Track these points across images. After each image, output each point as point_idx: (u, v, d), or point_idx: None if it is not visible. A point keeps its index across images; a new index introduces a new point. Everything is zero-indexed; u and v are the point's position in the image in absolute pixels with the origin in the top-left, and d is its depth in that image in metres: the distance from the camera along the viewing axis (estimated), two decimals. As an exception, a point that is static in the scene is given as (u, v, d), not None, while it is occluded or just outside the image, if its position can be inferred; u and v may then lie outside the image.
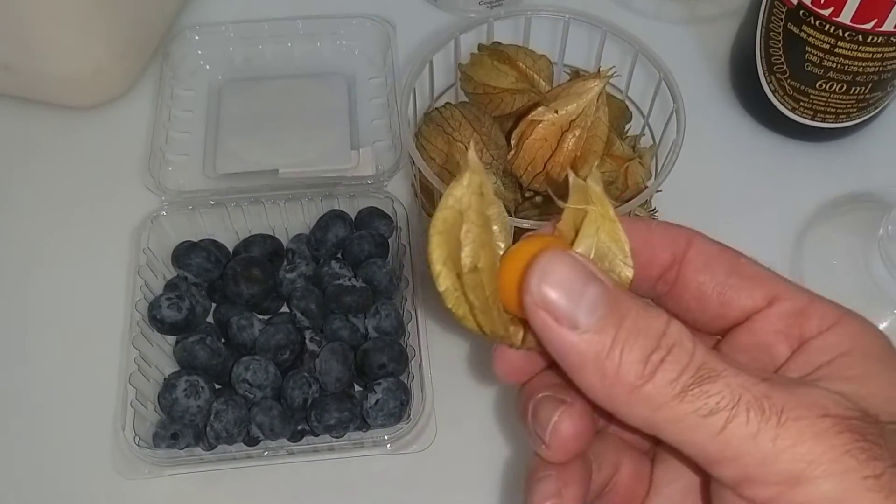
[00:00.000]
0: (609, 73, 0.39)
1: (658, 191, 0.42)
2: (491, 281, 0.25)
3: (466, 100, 0.45)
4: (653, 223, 0.29)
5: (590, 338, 0.23)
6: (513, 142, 0.40)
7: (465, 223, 0.24)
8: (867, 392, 0.24)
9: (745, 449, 0.22)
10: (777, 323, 0.27)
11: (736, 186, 0.51)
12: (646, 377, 0.23)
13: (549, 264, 0.23)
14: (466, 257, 0.24)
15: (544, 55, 0.44)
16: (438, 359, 0.42)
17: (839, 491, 0.21)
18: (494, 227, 0.26)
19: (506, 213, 0.26)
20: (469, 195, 0.25)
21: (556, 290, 0.23)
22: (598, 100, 0.39)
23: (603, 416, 0.30)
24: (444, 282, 0.25)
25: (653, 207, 0.43)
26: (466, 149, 0.40)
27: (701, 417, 0.22)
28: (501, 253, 0.26)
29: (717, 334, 0.29)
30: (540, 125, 0.39)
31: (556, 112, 0.39)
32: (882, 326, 0.45)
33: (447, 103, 0.43)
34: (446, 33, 0.43)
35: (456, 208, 0.25)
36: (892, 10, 0.42)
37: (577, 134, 0.39)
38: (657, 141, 0.44)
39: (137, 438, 0.40)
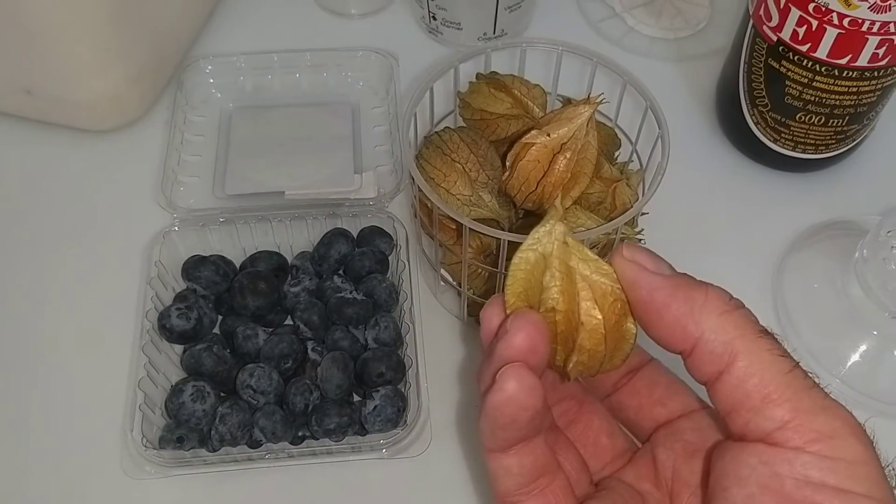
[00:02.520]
0: (598, 100, 0.42)
1: (645, 213, 0.44)
2: (566, 321, 0.28)
3: (464, 125, 0.48)
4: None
5: (676, 278, 0.28)
6: (507, 163, 0.43)
7: (550, 269, 0.28)
8: None
9: (802, 395, 0.26)
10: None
11: (720, 213, 0.54)
12: (733, 307, 0.27)
13: (633, 245, 0.29)
14: (547, 301, 0.28)
15: (538, 84, 0.47)
16: (434, 369, 0.44)
17: (864, 454, 0.25)
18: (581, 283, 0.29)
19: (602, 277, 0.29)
20: (553, 241, 0.28)
21: (644, 254, 0.28)
22: (587, 124, 0.41)
23: None
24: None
25: (640, 228, 0.46)
26: (465, 170, 0.43)
27: (775, 356, 0.26)
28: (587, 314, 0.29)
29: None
30: (533, 148, 0.41)
31: (549, 135, 0.41)
32: (863, 347, 0.47)
33: (446, 128, 0.46)
34: (446, 63, 0.46)
35: (538, 250, 0.28)
36: (865, 47, 0.45)
37: (568, 156, 0.41)
38: (644, 165, 0.47)
39: (145, 441, 0.41)
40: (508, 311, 0.29)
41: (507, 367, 0.27)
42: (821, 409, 0.25)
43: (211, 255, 0.48)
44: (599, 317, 0.28)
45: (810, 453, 0.25)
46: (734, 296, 0.28)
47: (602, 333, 0.29)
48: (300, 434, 0.43)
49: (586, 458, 0.33)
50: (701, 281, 0.28)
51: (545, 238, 0.28)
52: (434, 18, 0.60)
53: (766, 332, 0.27)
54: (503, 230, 0.42)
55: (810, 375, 0.27)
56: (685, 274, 0.28)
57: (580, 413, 0.34)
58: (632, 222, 0.44)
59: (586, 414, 0.34)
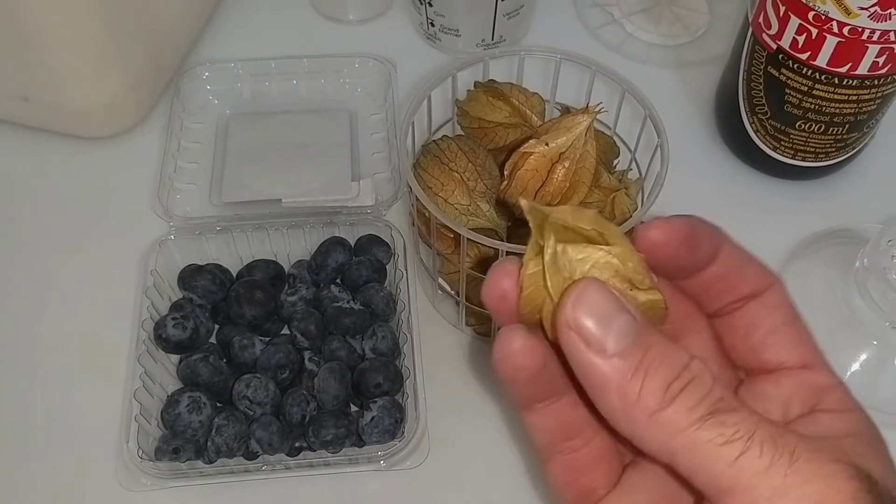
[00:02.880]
0: (597, 109, 0.42)
1: (642, 221, 0.44)
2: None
3: (462, 134, 0.47)
4: (748, 256, 0.30)
5: (616, 363, 0.24)
6: (506, 172, 0.42)
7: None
8: (873, 469, 0.25)
9: (755, 482, 0.23)
10: (800, 386, 0.28)
11: (720, 221, 0.52)
12: (665, 403, 0.24)
13: (584, 291, 0.25)
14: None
15: (537, 93, 0.47)
16: (432, 380, 0.44)
17: None
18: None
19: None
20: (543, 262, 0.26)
21: (589, 316, 0.24)
22: (586, 134, 0.41)
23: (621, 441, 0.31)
24: (532, 268, 0.26)
25: (638, 237, 0.45)
26: (462, 179, 0.43)
27: (716, 446, 0.23)
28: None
29: (742, 369, 0.31)
30: (531, 157, 0.41)
31: (547, 145, 0.41)
32: (863, 356, 0.46)
33: (444, 136, 0.45)
34: (444, 71, 0.46)
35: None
36: (865, 55, 0.45)
37: (567, 165, 0.41)
38: (643, 174, 0.46)
39: (140, 452, 0.41)
40: (526, 266, 0.26)
41: (502, 329, 0.27)
42: (781, 492, 0.23)
43: (207, 264, 0.48)
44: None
45: None
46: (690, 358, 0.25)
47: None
48: (297, 445, 0.43)
49: None
50: (647, 352, 0.24)
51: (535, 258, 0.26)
52: (432, 25, 0.60)
53: (708, 415, 0.24)
54: (501, 240, 0.42)
55: (779, 438, 0.23)
56: (637, 340, 0.25)
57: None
58: (631, 232, 0.44)
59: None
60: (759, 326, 0.29)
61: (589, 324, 0.24)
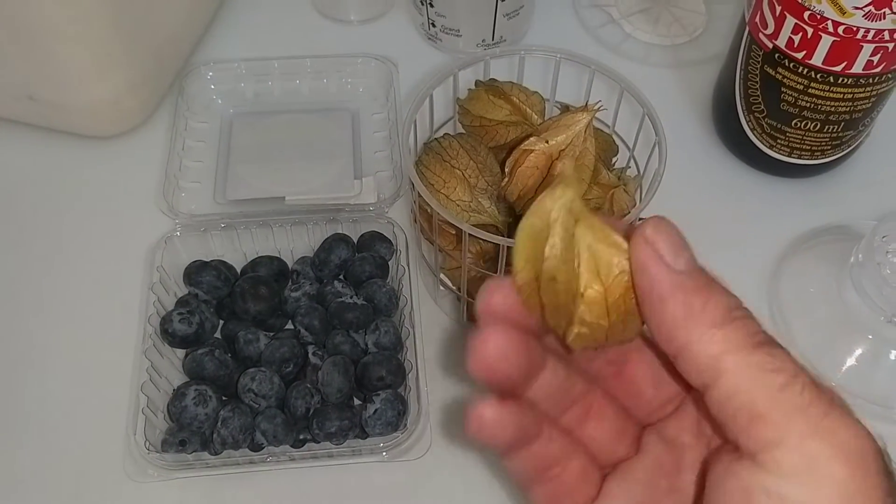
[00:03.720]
0: (596, 107, 0.42)
1: (642, 219, 0.44)
2: (566, 291, 0.27)
3: (464, 132, 0.48)
4: None
5: (684, 277, 0.26)
6: (506, 169, 0.43)
7: (552, 237, 0.26)
8: None
9: (793, 415, 0.24)
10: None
11: (717, 219, 0.54)
12: (729, 319, 0.25)
13: (661, 223, 0.26)
14: (548, 270, 0.26)
15: (537, 91, 0.47)
16: (434, 373, 0.45)
17: (855, 486, 0.24)
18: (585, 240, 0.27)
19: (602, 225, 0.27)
20: (559, 209, 0.26)
21: (665, 238, 0.26)
22: (585, 131, 0.42)
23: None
24: (522, 279, 0.27)
25: (637, 233, 0.46)
26: (464, 176, 0.44)
27: (765, 371, 0.24)
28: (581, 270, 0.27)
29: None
30: (532, 154, 0.42)
31: (547, 142, 0.42)
32: (858, 351, 0.47)
33: (446, 134, 0.46)
34: (446, 70, 0.46)
35: (545, 219, 0.26)
36: (860, 54, 0.45)
37: (566, 163, 0.42)
38: (642, 171, 0.47)
39: (147, 444, 0.42)
40: (517, 278, 0.27)
41: (474, 402, 0.28)
42: (813, 431, 0.24)
43: (212, 261, 0.49)
44: (598, 288, 0.27)
45: (792, 481, 0.24)
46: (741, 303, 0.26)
47: (603, 305, 0.27)
48: (301, 437, 0.44)
49: (632, 409, 0.33)
50: (711, 283, 0.26)
51: (550, 203, 0.26)
52: (433, 25, 0.61)
53: (763, 344, 0.25)
54: (502, 236, 0.42)
55: (818, 387, 0.25)
56: (701, 271, 0.26)
57: (626, 364, 0.33)
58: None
59: (633, 363, 0.33)
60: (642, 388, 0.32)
61: (664, 244, 0.26)
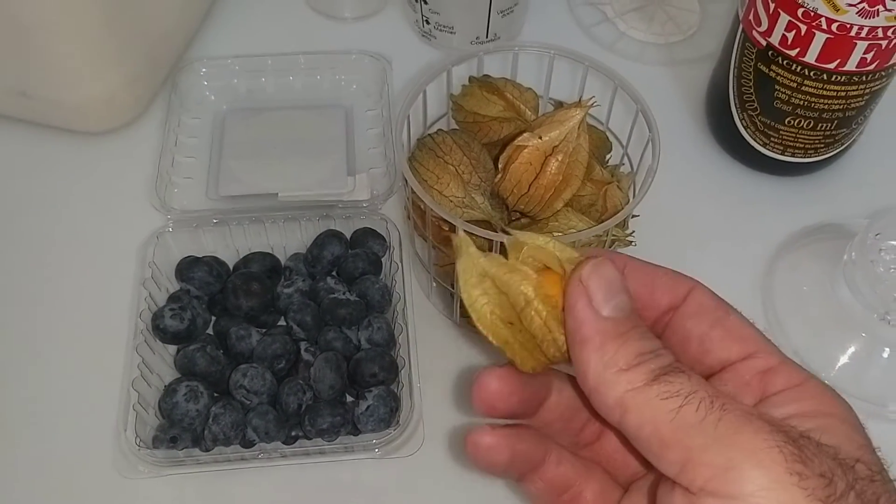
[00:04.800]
0: (589, 103, 0.42)
1: (635, 216, 0.44)
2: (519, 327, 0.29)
3: (457, 128, 0.48)
4: (659, 270, 0.32)
5: (606, 323, 0.27)
6: (500, 165, 0.43)
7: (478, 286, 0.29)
8: (820, 437, 0.26)
9: (691, 433, 0.25)
10: (746, 377, 0.30)
11: (711, 217, 0.54)
12: (632, 364, 0.27)
13: (600, 265, 0.28)
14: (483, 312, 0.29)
15: (531, 88, 0.47)
16: (427, 370, 0.44)
17: (766, 480, 0.24)
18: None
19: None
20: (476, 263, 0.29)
21: (600, 280, 0.28)
22: (579, 127, 0.42)
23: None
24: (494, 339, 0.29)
25: (630, 230, 0.46)
26: (457, 172, 0.43)
27: (661, 400, 0.26)
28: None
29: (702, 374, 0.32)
30: (525, 150, 0.42)
31: (541, 138, 0.42)
32: (851, 349, 0.47)
33: (439, 130, 0.46)
34: (439, 65, 0.46)
35: (476, 276, 0.29)
36: (854, 52, 0.45)
37: (560, 159, 0.42)
38: (635, 168, 0.47)
39: (138, 440, 0.42)
40: (488, 335, 0.29)
41: (470, 430, 0.31)
42: (712, 441, 0.25)
43: (204, 257, 0.49)
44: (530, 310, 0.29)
45: (711, 493, 0.24)
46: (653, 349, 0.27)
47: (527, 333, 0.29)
48: (293, 434, 0.44)
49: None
50: (631, 330, 0.27)
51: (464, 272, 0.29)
52: (427, 22, 0.61)
53: (660, 377, 0.26)
54: (495, 231, 0.42)
55: (718, 397, 0.26)
56: (627, 319, 0.28)
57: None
58: (623, 224, 0.45)
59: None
60: (690, 337, 0.31)
61: (596, 288, 0.28)
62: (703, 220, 0.54)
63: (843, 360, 0.47)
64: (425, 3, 0.59)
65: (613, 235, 0.44)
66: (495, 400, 0.30)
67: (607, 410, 0.27)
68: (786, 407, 0.28)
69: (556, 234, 0.43)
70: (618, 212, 0.44)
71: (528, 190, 0.42)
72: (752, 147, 0.54)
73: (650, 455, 0.26)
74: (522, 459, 0.32)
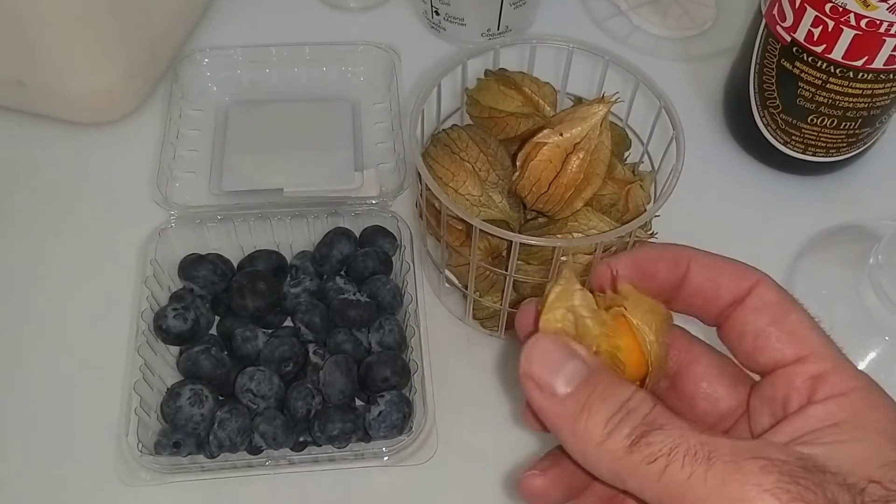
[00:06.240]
0: (613, 99, 0.41)
1: (657, 215, 0.43)
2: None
3: (471, 123, 0.46)
4: (726, 262, 0.31)
5: (567, 403, 0.27)
6: (518, 163, 0.41)
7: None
8: (837, 455, 0.25)
9: (682, 490, 0.24)
10: (796, 381, 0.28)
11: (730, 217, 0.53)
12: (605, 435, 0.26)
13: (534, 345, 0.28)
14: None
15: (548, 82, 0.46)
16: (440, 374, 0.43)
17: None
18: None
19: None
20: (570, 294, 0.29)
21: (539, 364, 0.28)
22: (601, 124, 0.40)
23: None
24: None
25: (652, 231, 0.45)
26: (474, 170, 0.42)
27: (646, 465, 0.25)
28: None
29: (756, 373, 0.31)
30: (545, 147, 0.40)
31: (562, 135, 0.40)
32: (874, 354, 0.46)
33: (454, 125, 0.45)
34: (455, 58, 0.45)
35: (564, 308, 0.29)
36: (883, 49, 0.44)
37: (581, 157, 0.40)
38: (656, 167, 0.46)
39: (140, 446, 0.40)
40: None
41: (524, 474, 0.32)
42: (704, 497, 0.24)
43: (208, 254, 0.47)
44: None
45: None
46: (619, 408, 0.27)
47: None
48: (302, 440, 0.42)
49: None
50: (592, 395, 0.27)
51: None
52: (437, 13, 0.59)
53: (637, 440, 0.26)
54: (513, 231, 0.41)
55: (702, 445, 0.25)
56: (584, 386, 0.27)
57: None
58: (645, 225, 0.43)
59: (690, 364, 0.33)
60: (747, 333, 0.30)
61: (540, 371, 0.28)
62: (720, 219, 0.53)
63: (867, 363, 0.46)
64: (435, -7, 0.58)
65: (636, 236, 0.42)
66: (541, 499, 0.31)
67: (609, 482, 0.27)
68: (822, 418, 0.27)
69: (576, 234, 0.41)
70: (640, 212, 0.43)
71: (548, 189, 0.41)
72: (773, 145, 0.52)
73: None
74: (574, 487, 0.32)
